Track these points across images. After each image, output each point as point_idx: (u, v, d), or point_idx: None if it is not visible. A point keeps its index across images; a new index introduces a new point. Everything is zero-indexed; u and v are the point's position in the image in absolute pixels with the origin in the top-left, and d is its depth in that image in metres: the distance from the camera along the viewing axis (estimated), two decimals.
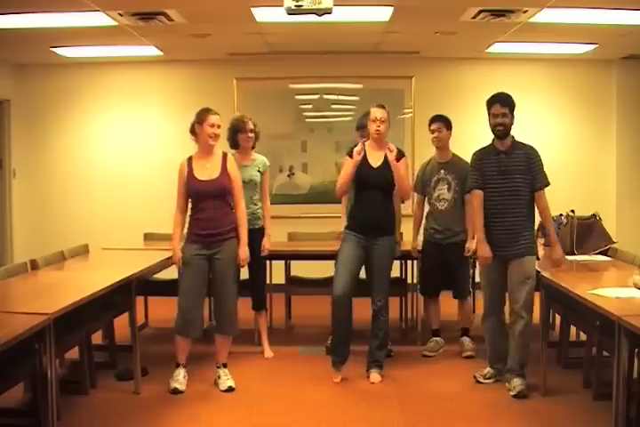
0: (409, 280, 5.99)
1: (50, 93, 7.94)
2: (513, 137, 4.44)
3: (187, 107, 7.16)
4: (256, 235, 5.22)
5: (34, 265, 4.68)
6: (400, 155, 4.66)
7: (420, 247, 5.44)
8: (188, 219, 4.62)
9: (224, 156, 4.58)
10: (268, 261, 5.57)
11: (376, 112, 4.68)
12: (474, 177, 4.52)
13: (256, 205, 5.30)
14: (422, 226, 5.49)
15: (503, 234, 4.38)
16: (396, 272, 5.94)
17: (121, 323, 4.85)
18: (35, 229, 7.95)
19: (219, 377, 4.60)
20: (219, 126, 4.51)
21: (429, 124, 5.37)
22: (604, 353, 4.17)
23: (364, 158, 4.70)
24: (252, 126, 5.26)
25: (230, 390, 4.50)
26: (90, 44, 6.87)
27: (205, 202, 4.48)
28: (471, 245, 5.00)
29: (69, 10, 5.46)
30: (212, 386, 4.59)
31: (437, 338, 5.41)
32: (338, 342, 4.71)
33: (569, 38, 6.78)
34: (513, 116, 4.41)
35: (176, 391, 4.45)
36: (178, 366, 4.60)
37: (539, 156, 4.43)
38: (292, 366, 5.08)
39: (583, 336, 4.97)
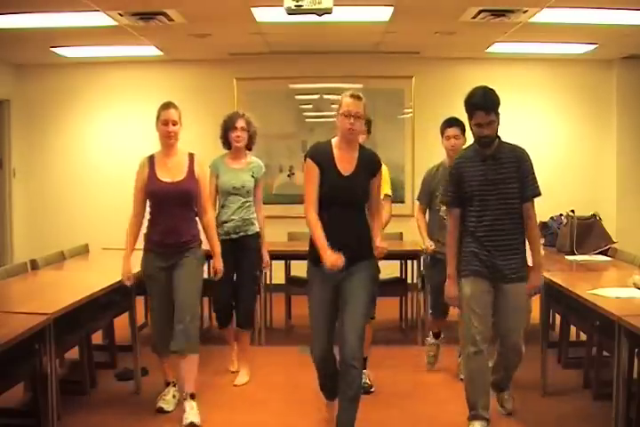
0: (409, 280, 5.98)
1: (50, 93, 7.94)
2: (499, 137, 3.69)
3: (187, 107, 7.12)
4: (247, 242, 4.73)
5: (34, 265, 4.68)
6: (377, 164, 3.69)
7: (433, 247, 4.71)
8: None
9: (190, 156, 4.11)
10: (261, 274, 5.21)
11: (350, 104, 3.58)
12: (449, 190, 3.77)
13: (249, 210, 4.74)
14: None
15: (495, 254, 3.65)
16: (396, 272, 5.95)
17: (121, 323, 4.84)
18: (35, 229, 7.95)
19: (183, 410, 3.98)
20: (174, 123, 4.01)
21: (444, 129, 4.67)
22: (604, 353, 4.16)
23: (332, 164, 3.62)
24: (242, 124, 4.69)
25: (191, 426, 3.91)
26: (90, 44, 6.87)
27: (166, 207, 4.00)
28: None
29: (69, 10, 5.46)
30: (214, 384, 4.58)
31: (436, 341, 4.93)
32: (327, 385, 3.83)
33: (569, 38, 6.78)
34: (499, 117, 3.64)
35: (162, 411, 4.11)
36: (167, 384, 4.28)
37: (530, 159, 3.71)
38: (292, 366, 5.08)
39: (583, 336, 4.96)
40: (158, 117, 4.02)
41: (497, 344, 3.85)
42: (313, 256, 3.58)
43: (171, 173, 4.03)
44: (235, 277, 4.74)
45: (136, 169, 4.09)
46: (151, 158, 4.08)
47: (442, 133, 4.68)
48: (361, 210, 3.67)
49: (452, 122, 4.65)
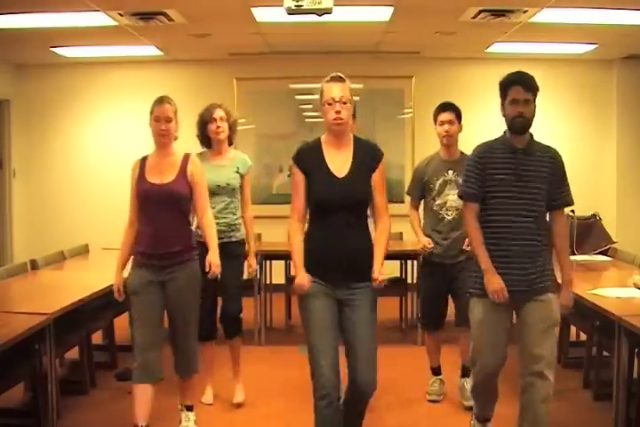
0: (409, 280, 5.98)
1: (50, 93, 7.94)
2: (531, 134, 3.28)
3: (187, 107, 7.06)
4: (230, 249, 4.20)
5: (34, 265, 4.69)
6: (377, 156, 3.15)
7: (430, 245, 4.19)
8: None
9: (185, 157, 3.69)
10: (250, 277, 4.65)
11: (332, 88, 3.10)
12: (471, 181, 3.28)
13: (234, 214, 4.30)
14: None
15: (516, 263, 3.18)
16: (396, 272, 5.95)
17: (121, 323, 4.85)
18: (35, 229, 7.95)
19: (179, 422, 3.84)
20: (168, 120, 3.58)
21: (437, 114, 4.23)
22: (604, 353, 4.17)
23: (323, 165, 3.11)
24: (221, 114, 4.24)
25: None
26: (90, 44, 6.87)
27: (155, 211, 3.56)
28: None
29: (69, 10, 5.46)
30: (212, 384, 4.57)
31: (439, 377, 4.44)
32: None
33: (569, 38, 6.78)
34: (535, 105, 3.25)
35: None
36: None
37: (564, 163, 3.29)
38: (292, 366, 5.08)
39: (583, 336, 4.96)
40: (151, 113, 3.62)
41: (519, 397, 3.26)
42: (306, 269, 3.08)
43: (161, 175, 3.61)
44: (218, 286, 4.28)
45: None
46: (143, 160, 3.70)
47: (435, 120, 4.25)
48: (362, 217, 3.12)
49: (446, 106, 4.24)
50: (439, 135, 4.23)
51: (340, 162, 3.10)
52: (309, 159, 3.13)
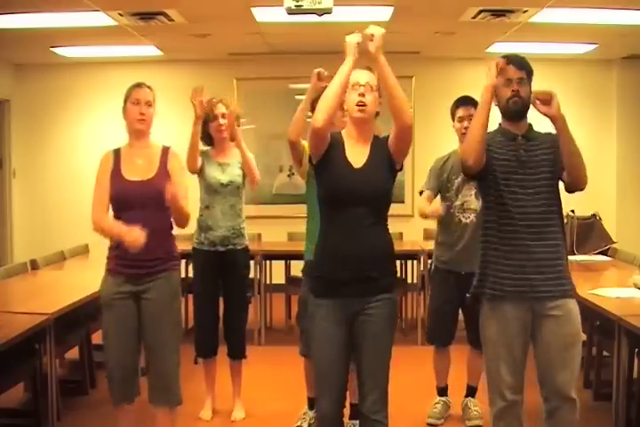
0: (409, 280, 5.98)
1: (50, 93, 7.95)
2: (530, 124, 2.98)
3: (187, 107, 7.08)
4: (235, 258, 4.03)
5: (34, 265, 4.69)
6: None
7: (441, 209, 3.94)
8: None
9: (164, 150, 3.24)
10: (254, 286, 4.75)
11: (359, 74, 2.79)
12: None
13: (239, 217, 4.04)
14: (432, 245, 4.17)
15: (530, 261, 2.81)
16: None
17: None
18: (35, 229, 7.95)
19: None
20: (149, 104, 3.22)
21: (455, 109, 3.91)
22: (604, 353, 4.16)
23: (341, 154, 2.82)
24: (223, 110, 4.03)
25: None
26: (90, 44, 6.87)
27: (134, 213, 3.10)
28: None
29: (69, 10, 5.46)
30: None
31: (444, 398, 4.12)
32: None
33: (569, 38, 6.79)
34: (531, 87, 2.91)
35: None
36: None
37: None
38: (292, 366, 5.07)
39: (583, 336, 4.97)
40: (127, 98, 3.27)
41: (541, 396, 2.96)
42: (315, 285, 2.86)
43: (139, 171, 3.18)
44: (220, 298, 4.12)
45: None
46: (117, 152, 3.27)
47: (453, 116, 3.92)
48: (379, 215, 2.79)
49: (465, 100, 3.88)
50: (457, 132, 3.89)
51: (357, 154, 2.82)
52: (331, 144, 2.82)
